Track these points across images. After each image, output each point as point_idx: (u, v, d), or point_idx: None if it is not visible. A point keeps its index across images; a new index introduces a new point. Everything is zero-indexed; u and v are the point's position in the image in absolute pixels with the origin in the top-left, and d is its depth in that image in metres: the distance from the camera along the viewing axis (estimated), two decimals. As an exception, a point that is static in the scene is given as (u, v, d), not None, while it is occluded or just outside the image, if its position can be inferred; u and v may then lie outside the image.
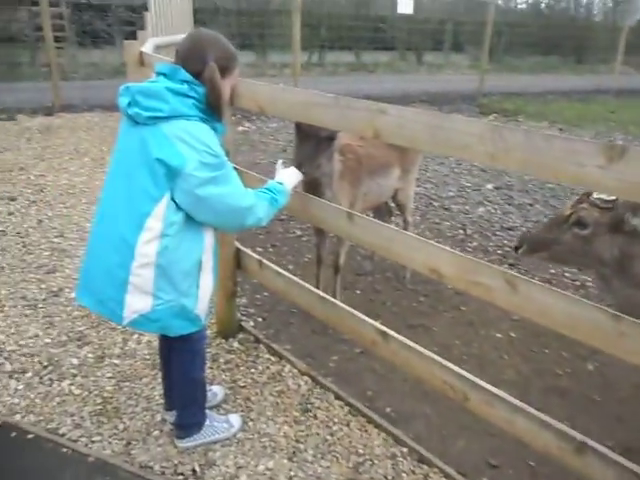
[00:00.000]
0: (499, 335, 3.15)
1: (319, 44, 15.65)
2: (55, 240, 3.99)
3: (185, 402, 2.11)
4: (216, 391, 2.42)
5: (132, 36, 3.98)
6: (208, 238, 1.87)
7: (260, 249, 4.11)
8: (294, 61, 9.45)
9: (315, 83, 11.66)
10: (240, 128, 8.11)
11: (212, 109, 1.79)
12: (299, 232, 4.46)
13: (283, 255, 4.07)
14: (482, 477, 2.17)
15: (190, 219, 1.77)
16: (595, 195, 1.79)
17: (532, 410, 1.65)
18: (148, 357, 2.70)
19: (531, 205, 5.44)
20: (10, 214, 4.42)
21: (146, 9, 4.58)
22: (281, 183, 2.03)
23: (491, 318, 3.25)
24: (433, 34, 17.65)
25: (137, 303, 1.75)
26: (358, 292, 3.59)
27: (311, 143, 2.39)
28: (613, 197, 1.75)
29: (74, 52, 13.74)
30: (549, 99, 11.83)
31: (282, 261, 3.95)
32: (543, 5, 23.39)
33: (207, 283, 1.90)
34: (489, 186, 5.91)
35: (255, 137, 7.70)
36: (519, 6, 23.86)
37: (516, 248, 2.03)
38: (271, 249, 4.16)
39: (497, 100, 11.23)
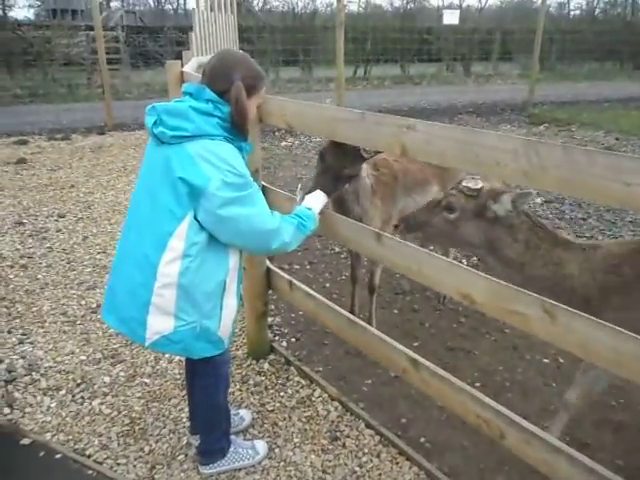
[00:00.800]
0: (546, 360, 2.94)
1: (364, 58, 15.66)
2: (97, 257, 4.08)
3: (208, 427, 2.06)
4: (243, 415, 2.36)
5: (181, 56, 4.07)
6: (233, 260, 1.82)
7: (297, 266, 4.06)
8: (338, 76, 9.45)
9: (360, 97, 11.65)
10: (283, 143, 8.16)
11: (237, 128, 1.75)
12: (337, 249, 4.38)
13: (320, 273, 4.00)
14: (524, 519, 2.00)
15: (214, 240, 1.73)
16: (464, 183, 1.92)
17: (576, 453, 1.49)
18: (178, 377, 2.68)
19: (584, 220, 5.15)
20: (58, 231, 4.57)
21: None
22: (309, 208, 1.98)
23: (537, 342, 3.04)
24: (481, 44, 17.31)
25: (159, 324, 1.71)
26: (395, 312, 3.46)
27: (332, 177, 2.27)
28: (480, 185, 1.89)
29: (128, 73, 14.32)
30: (604, 107, 11.29)
31: (319, 279, 3.88)
32: (597, 11, 22.56)
33: (231, 305, 1.86)
34: (538, 200, 5.65)
35: (298, 152, 7.73)
36: (572, 12, 23.13)
37: (395, 226, 2.13)
38: (308, 266, 4.10)
39: (548, 110, 10.83)
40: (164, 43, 15.62)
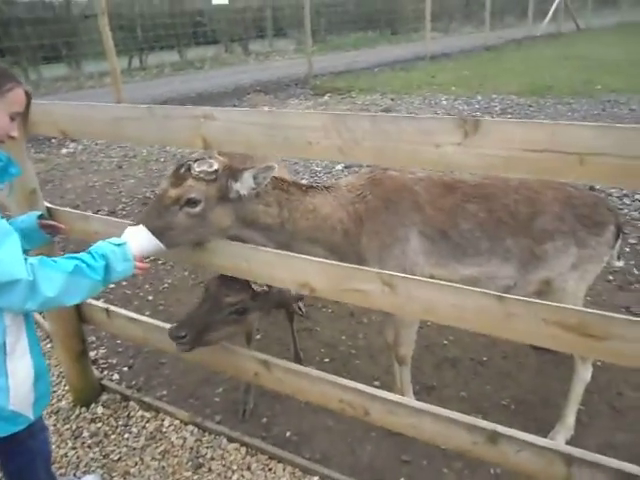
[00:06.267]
0: (380, 319, 3.08)
1: (137, 47, 14.68)
2: None
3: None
4: (90, 482, 2.01)
5: None
6: (9, 315, 1.45)
7: (111, 285, 3.62)
8: (112, 68, 8.65)
9: (141, 89, 10.91)
10: (64, 150, 7.24)
11: None
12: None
13: (139, 286, 3.63)
14: (399, 477, 2.06)
15: None
16: (196, 168, 1.66)
17: (437, 409, 1.54)
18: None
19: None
20: None
21: None
22: (119, 244, 1.52)
23: (370, 303, 3.18)
24: (254, 22, 17.48)
25: None
26: (231, 308, 3.31)
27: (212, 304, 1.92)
28: (216, 166, 1.68)
29: None
30: (376, 72, 12.34)
31: (139, 293, 3.54)
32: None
33: (22, 369, 1.50)
34: (339, 167, 5.91)
35: (84, 157, 6.93)
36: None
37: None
38: (124, 282, 3.69)
39: (328, 80, 11.43)
40: None
